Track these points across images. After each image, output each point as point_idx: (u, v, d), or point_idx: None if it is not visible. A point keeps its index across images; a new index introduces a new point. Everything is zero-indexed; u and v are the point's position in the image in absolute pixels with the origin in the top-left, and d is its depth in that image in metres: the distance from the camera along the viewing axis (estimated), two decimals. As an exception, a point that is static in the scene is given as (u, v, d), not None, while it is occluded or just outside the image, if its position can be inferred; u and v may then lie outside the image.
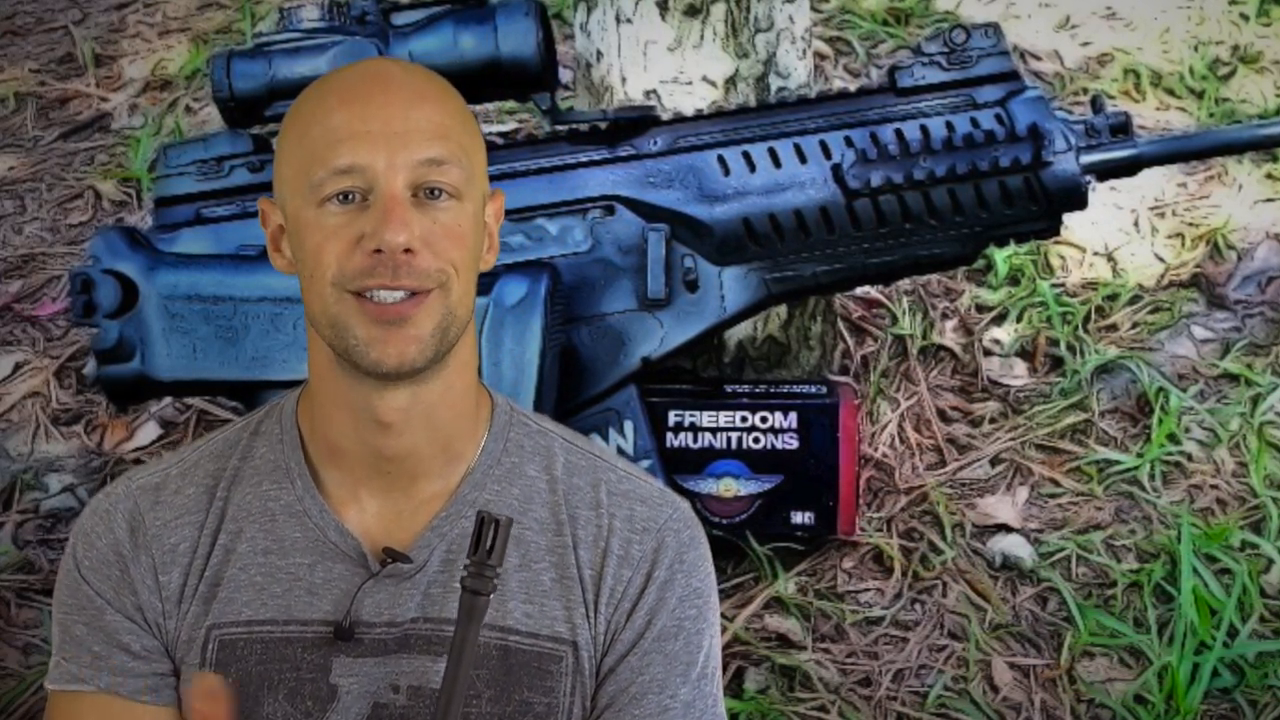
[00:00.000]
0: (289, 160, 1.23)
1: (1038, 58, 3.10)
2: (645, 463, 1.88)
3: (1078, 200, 1.88)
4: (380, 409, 1.23)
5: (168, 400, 2.37)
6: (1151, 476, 2.24)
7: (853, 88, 1.98)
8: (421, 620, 1.27)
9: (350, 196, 1.19)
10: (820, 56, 3.06)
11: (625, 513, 1.31)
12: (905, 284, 2.54)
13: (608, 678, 1.29)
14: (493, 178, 1.84)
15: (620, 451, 1.87)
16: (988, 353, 2.45)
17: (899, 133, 1.87)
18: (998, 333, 2.48)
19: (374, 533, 1.28)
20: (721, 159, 1.88)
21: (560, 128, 1.90)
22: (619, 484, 1.33)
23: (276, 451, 1.30)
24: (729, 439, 2.04)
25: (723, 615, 2.01)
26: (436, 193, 1.20)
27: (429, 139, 1.20)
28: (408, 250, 1.17)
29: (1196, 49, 3.10)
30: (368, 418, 1.24)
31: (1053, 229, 1.92)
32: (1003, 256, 2.57)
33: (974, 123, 1.87)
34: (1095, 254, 2.62)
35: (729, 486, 2.04)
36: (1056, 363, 2.43)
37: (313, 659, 1.26)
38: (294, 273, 1.26)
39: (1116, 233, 2.66)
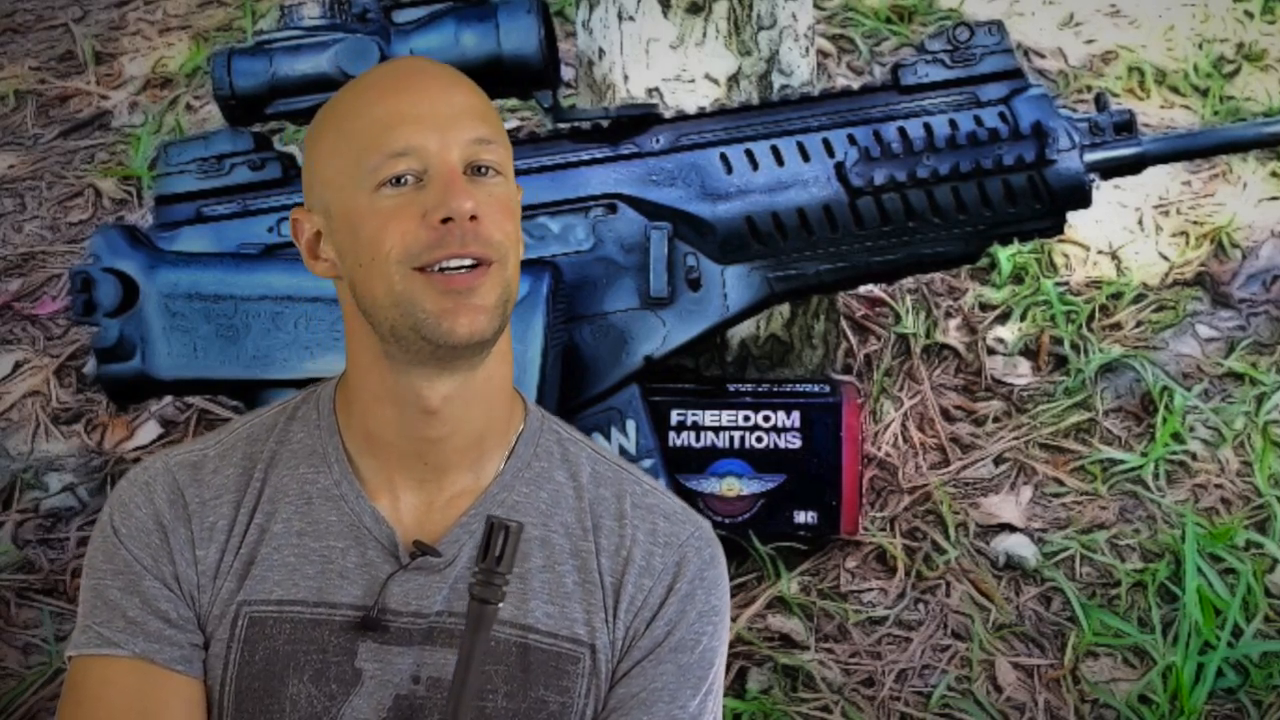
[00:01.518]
0: (331, 158, 1.26)
1: (1041, 55, 3.10)
2: (647, 462, 1.87)
3: (1082, 198, 1.88)
4: (428, 396, 1.26)
5: (168, 399, 2.37)
6: (1156, 476, 2.23)
7: (856, 85, 1.97)
8: (447, 614, 1.28)
9: (404, 180, 1.22)
10: (823, 54, 3.05)
11: (648, 526, 1.34)
12: (909, 282, 2.53)
13: (620, 681, 1.31)
14: (494, 175, 1.84)
15: (622, 451, 1.87)
16: (991, 351, 2.44)
17: (902, 131, 1.86)
18: (1001, 331, 2.48)
19: (406, 524, 1.30)
20: (724, 157, 1.88)
21: (562, 125, 1.89)
22: (643, 498, 1.35)
23: (314, 437, 1.33)
24: (731, 438, 2.04)
25: (725, 615, 2.01)
26: (485, 170, 1.25)
27: (474, 119, 1.25)
28: (473, 218, 1.21)
29: (1201, 46, 3.09)
30: (414, 405, 1.27)
31: (1057, 227, 1.91)
32: (1006, 255, 2.56)
33: (978, 120, 1.87)
34: (1099, 252, 2.62)
35: (731, 486, 2.04)
36: (1060, 361, 2.43)
37: (340, 642, 1.27)
38: (335, 275, 1.28)
39: (1121, 231, 2.65)
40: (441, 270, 1.21)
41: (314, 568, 1.29)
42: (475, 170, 1.24)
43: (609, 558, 1.32)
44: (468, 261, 1.21)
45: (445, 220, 1.20)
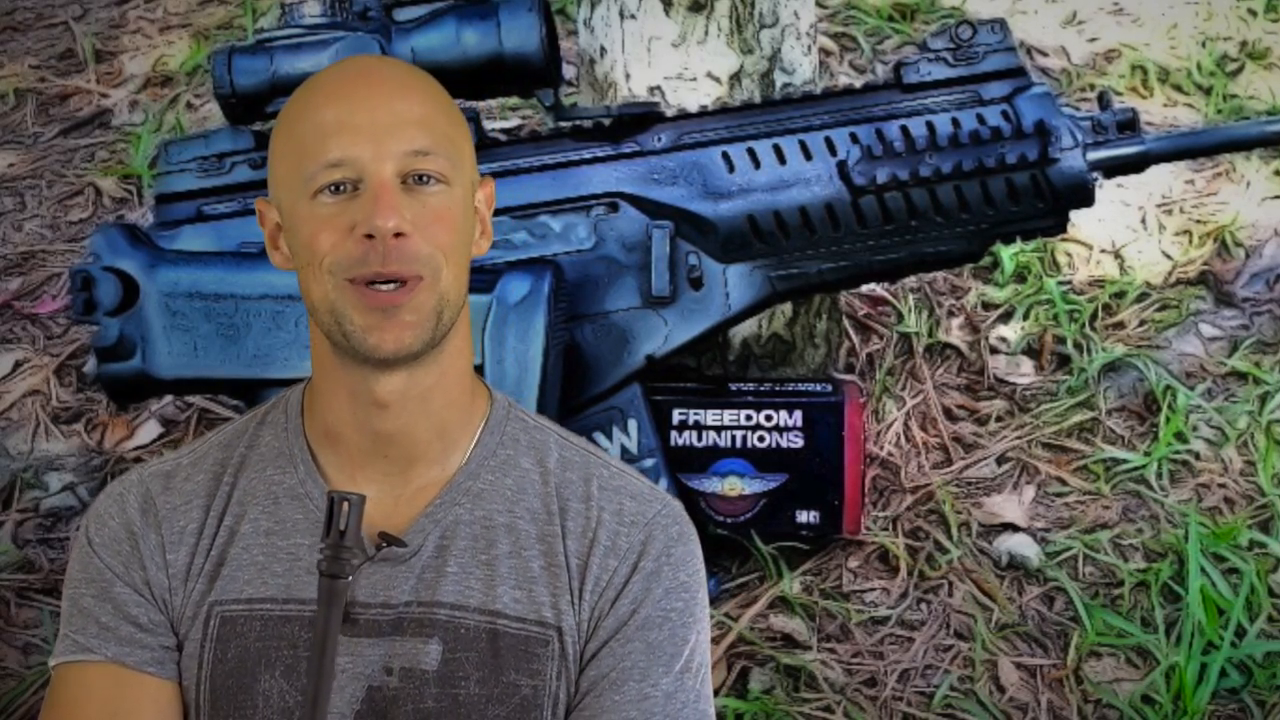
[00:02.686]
0: (281, 158, 1.28)
1: (1044, 53, 3.09)
2: (649, 461, 1.87)
3: (1085, 197, 1.87)
4: (377, 390, 1.27)
5: (169, 398, 2.36)
6: (1159, 475, 2.23)
7: (858, 84, 1.96)
8: (415, 604, 1.29)
9: (341, 187, 1.24)
10: (825, 52, 3.05)
11: (615, 506, 1.34)
12: (911, 281, 2.52)
13: (589, 663, 1.31)
14: (496, 174, 1.83)
15: (624, 450, 1.86)
16: (994, 351, 2.44)
17: (905, 129, 1.86)
18: (1004, 330, 2.47)
19: (371, 517, 1.30)
20: (726, 155, 1.87)
21: (564, 124, 1.89)
22: (611, 480, 1.36)
23: (281, 439, 1.35)
24: (734, 437, 2.03)
25: (727, 615, 2.01)
26: (425, 179, 1.25)
27: (414, 129, 1.24)
28: (399, 234, 1.22)
29: (1204, 45, 3.09)
30: (366, 399, 1.28)
31: (1060, 226, 1.91)
32: (1009, 254, 2.56)
33: (980, 119, 1.86)
34: (1102, 251, 2.61)
35: (734, 485, 2.03)
36: (1063, 361, 2.42)
37: (310, 637, 1.28)
38: (292, 269, 1.30)
39: (1124, 230, 2.64)
40: (369, 284, 1.22)
41: (282, 565, 1.31)
42: (416, 179, 1.24)
43: (575, 540, 1.32)
44: (393, 285, 1.22)
45: (370, 235, 1.22)
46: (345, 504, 1.17)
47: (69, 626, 1.32)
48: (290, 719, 1.27)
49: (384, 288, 1.22)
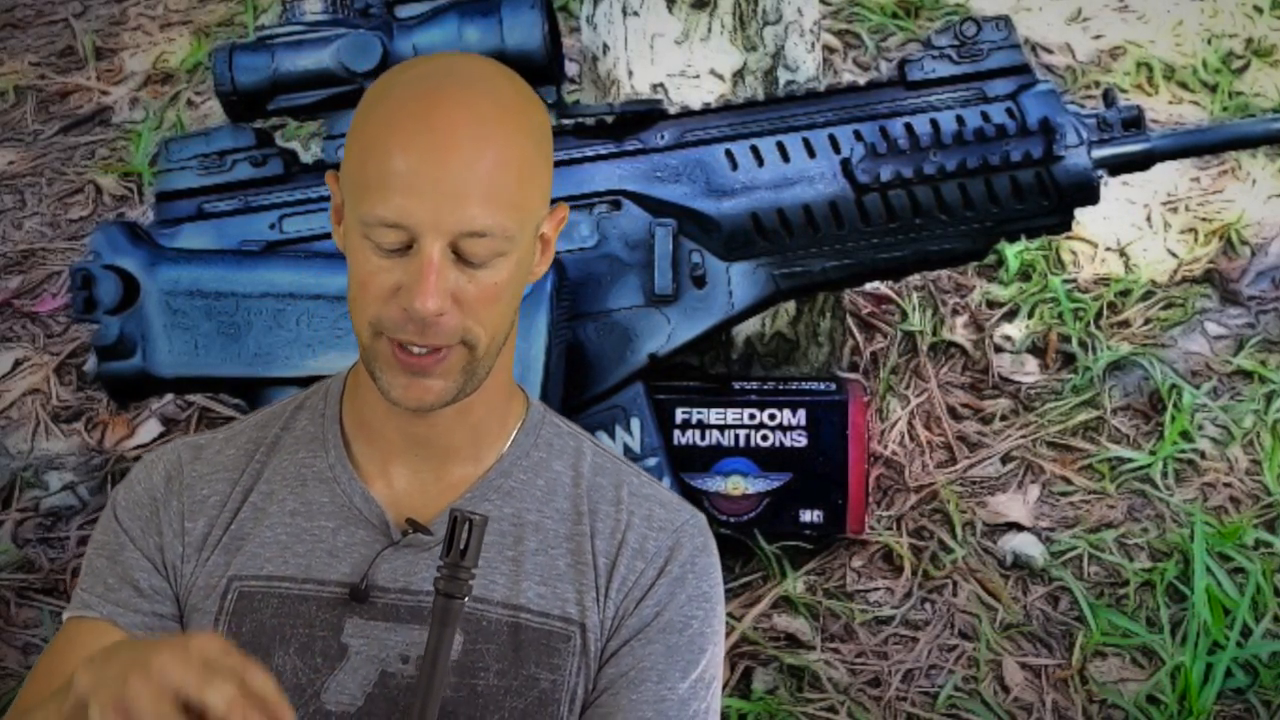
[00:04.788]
0: (350, 168, 1.24)
1: (1049, 51, 3.08)
2: (652, 460, 1.87)
3: (1090, 195, 1.86)
4: None
5: (169, 397, 2.36)
6: (1164, 474, 2.22)
7: (862, 81, 1.96)
8: None
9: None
10: (829, 50, 3.04)
11: (644, 512, 1.35)
12: (915, 280, 2.52)
13: (609, 661, 1.32)
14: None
15: (626, 449, 1.86)
16: (999, 349, 2.43)
17: (909, 127, 1.85)
18: (1009, 329, 2.46)
19: (400, 505, 1.32)
20: (729, 153, 1.87)
21: (566, 121, 1.88)
22: (641, 488, 1.38)
23: (316, 424, 1.37)
24: (737, 436, 2.02)
25: (730, 615, 2.00)
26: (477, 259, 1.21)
27: (476, 206, 1.19)
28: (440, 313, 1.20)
29: (1210, 42, 3.08)
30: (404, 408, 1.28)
31: (1064, 224, 1.90)
32: (1014, 252, 2.55)
33: (985, 116, 1.86)
34: (1107, 249, 2.60)
35: (737, 485, 2.03)
36: (1068, 359, 2.41)
37: (326, 617, 1.30)
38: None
39: (1129, 228, 2.64)
40: (402, 345, 1.22)
41: (304, 546, 1.32)
42: (469, 260, 1.20)
43: (604, 540, 1.33)
44: (425, 350, 1.22)
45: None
46: (468, 523, 1.14)
47: (81, 584, 1.35)
48: (302, 696, 1.28)
49: (416, 350, 1.21)
